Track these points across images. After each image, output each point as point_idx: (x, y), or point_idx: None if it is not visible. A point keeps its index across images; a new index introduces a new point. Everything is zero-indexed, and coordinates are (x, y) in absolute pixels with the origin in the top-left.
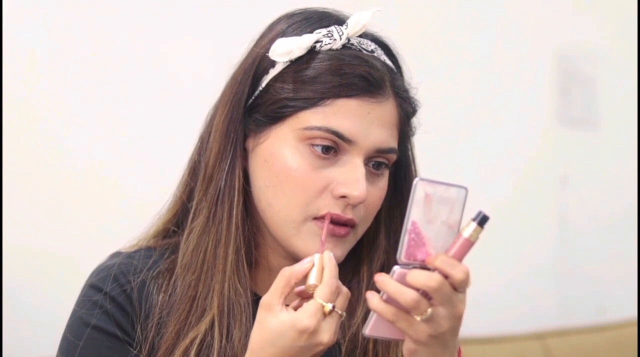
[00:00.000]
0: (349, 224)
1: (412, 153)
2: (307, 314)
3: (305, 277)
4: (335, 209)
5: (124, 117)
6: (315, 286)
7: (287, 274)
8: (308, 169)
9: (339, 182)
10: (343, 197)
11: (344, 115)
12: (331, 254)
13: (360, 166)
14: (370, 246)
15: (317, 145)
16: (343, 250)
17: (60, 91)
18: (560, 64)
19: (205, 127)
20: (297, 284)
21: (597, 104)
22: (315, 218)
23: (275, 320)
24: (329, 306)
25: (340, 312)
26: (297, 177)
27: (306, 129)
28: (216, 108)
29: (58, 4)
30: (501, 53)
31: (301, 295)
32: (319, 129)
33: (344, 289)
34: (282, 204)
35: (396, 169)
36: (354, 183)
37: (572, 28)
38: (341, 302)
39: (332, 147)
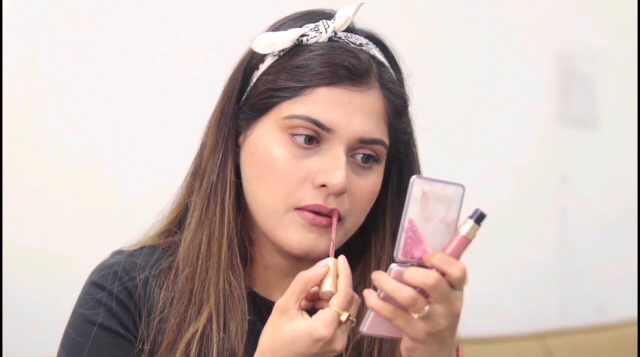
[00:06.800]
0: (331, 215)
1: (417, 155)
2: (324, 323)
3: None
4: (317, 199)
5: (124, 117)
6: (331, 293)
7: (303, 280)
8: (289, 158)
9: (319, 171)
10: (323, 186)
11: (324, 103)
12: (345, 259)
13: (340, 155)
14: (377, 250)
15: (299, 135)
16: (328, 242)
17: (61, 91)
18: (560, 64)
19: (206, 127)
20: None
21: (597, 104)
22: (297, 208)
23: (289, 325)
24: (345, 315)
25: (353, 319)
26: (278, 167)
27: (286, 118)
28: (214, 107)
29: (58, 4)
30: (501, 53)
31: (312, 299)
32: (299, 117)
33: (356, 297)
34: (265, 195)
35: (400, 172)
36: (332, 171)
37: (572, 28)
38: (354, 310)
39: (314, 137)
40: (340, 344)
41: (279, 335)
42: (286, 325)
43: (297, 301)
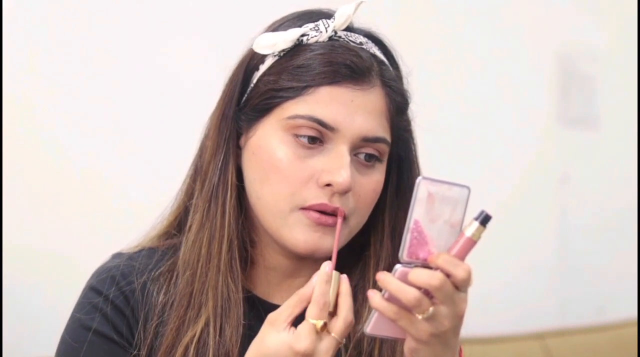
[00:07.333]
0: (336, 214)
1: (416, 154)
2: (301, 336)
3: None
4: (322, 199)
5: (124, 117)
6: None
7: (299, 295)
8: (293, 158)
9: (324, 170)
10: (328, 185)
11: (327, 103)
12: (326, 269)
13: (345, 154)
14: (377, 248)
15: (303, 135)
16: (333, 241)
17: (61, 91)
18: (560, 64)
19: (205, 128)
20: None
21: (597, 104)
22: (302, 208)
23: (274, 337)
24: (320, 323)
25: (336, 336)
26: (282, 168)
27: (290, 118)
28: (214, 109)
29: (58, 4)
30: (501, 53)
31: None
32: (302, 117)
33: (346, 316)
34: (269, 196)
35: (399, 170)
36: (337, 170)
37: (572, 28)
38: (341, 327)
39: (317, 137)
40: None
41: (264, 346)
42: (271, 336)
43: (289, 315)
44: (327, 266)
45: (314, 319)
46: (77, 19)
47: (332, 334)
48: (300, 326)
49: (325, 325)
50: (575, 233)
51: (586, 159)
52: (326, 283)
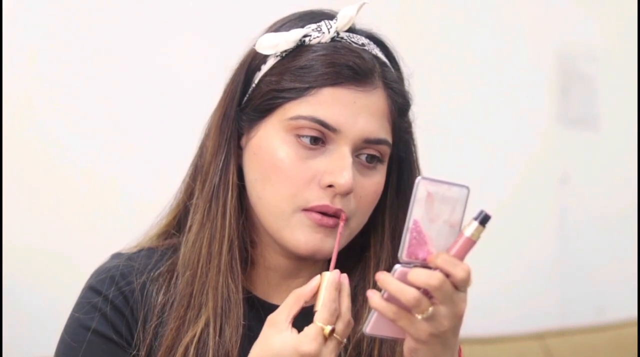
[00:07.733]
0: (338, 215)
1: (416, 155)
2: (308, 338)
3: (315, 295)
4: (324, 200)
5: (125, 117)
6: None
7: (296, 294)
8: (295, 159)
9: (326, 172)
10: (330, 186)
11: (330, 104)
12: (333, 273)
13: (347, 155)
14: (377, 249)
15: (305, 136)
16: (334, 242)
17: (61, 91)
18: (560, 64)
19: (206, 128)
20: (307, 303)
21: (597, 104)
22: (304, 209)
23: (278, 338)
24: (328, 329)
25: (339, 337)
26: (284, 168)
27: (292, 119)
28: (215, 109)
29: (58, 4)
30: (501, 53)
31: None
32: (305, 118)
33: (344, 315)
34: (270, 196)
35: (400, 171)
36: (339, 171)
37: (572, 28)
38: (341, 328)
39: (319, 138)
40: None
41: (267, 347)
42: (275, 337)
43: (289, 315)
44: (336, 273)
45: (323, 323)
46: (77, 19)
47: (335, 335)
48: (307, 328)
49: (333, 330)
50: (575, 233)
51: (586, 159)
52: (335, 289)
